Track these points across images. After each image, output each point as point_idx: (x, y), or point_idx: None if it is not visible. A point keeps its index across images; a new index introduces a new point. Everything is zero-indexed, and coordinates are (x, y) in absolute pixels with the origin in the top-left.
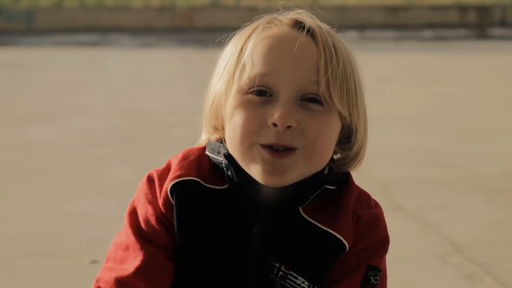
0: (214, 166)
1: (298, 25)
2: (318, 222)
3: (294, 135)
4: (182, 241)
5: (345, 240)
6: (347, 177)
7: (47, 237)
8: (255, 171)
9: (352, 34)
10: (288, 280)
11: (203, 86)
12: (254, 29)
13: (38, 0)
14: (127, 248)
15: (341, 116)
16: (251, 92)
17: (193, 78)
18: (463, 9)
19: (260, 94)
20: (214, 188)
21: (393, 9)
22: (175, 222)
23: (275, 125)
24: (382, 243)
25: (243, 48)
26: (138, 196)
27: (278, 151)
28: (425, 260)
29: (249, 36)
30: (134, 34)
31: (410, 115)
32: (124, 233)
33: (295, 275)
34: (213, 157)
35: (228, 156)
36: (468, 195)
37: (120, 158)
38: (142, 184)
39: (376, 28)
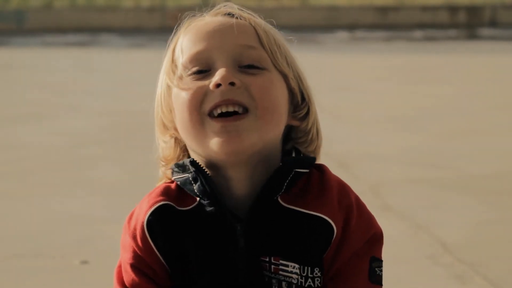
0: (180, 189)
1: (220, 13)
2: (300, 207)
3: (241, 93)
4: (174, 269)
5: (331, 220)
6: (316, 160)
7: (37, 238)
8: (211, 143)
9: (343, 35)
10: (280, 272)
11: None
12: (182, 28)
13: (28, 0)
14: None
15: (286, 78)
16: (189, 75)
17: None
18: (453, 9)
19: (197, 73)
20: (187, 209)
21: (383, 10)
22: (159, 256)
23: (218, 86)
24: (381, 235)
25: (175, 47)
26: (120, 248)
27: (228, 114)
28: (415, 260)
29: (178, 36)
30: (124, 34)
31: (400, 116)
32: None
33: (285, 263)
34: (179, 178)
35: (194, 163)
36: (458, 195)
37: (111, 158)
38: (121, 236)
39: (366, 29)
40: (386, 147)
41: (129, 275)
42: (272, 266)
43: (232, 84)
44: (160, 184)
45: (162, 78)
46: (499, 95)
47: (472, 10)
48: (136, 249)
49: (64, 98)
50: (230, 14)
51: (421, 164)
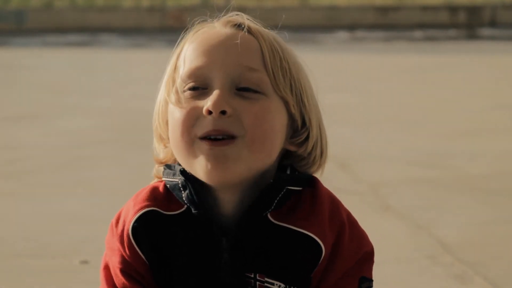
0: (168, 191)
1: (230, 23)
2: (289, 224)
3: (231, 123)
4: (158, 275)
5: (320, 240)
6: (311, 177)
7: (37, 238)
8: (198, 168)
9: (343, 35)
10: None
11: None
12: (191, 33)
13: (28, 0)
14: None
15: (287, 104)
16: (185, 90)
17: None
18: (453, 9)
19: (194, 90)
20: (173, 214)
21: (383, 10)
22: (145, 261)
23: (210, 112)
24: (372, 253)
25: (180, 53)
26: (106, 248)
27: (217, 139)
28: (415, 260)
29: (186, 40)
30: (124, 34)
31: (400, 116)
32: None
33: (270, 281)
34: (169, 181)
35: (184, 172)
36: (458, 195)
37: (111, 158)
38: (107, 235)
39: (366, 29)
40: (386, 147)
41: (119, 279)
42: (257, 283)
43: (223, 112)
44: (150, 184)
45: (163, 88)
46: (499, 95)
47: (472, 10)
48: (124, 254)
49: (65, 98)
50: (241, 26)
51: (421, 164)
